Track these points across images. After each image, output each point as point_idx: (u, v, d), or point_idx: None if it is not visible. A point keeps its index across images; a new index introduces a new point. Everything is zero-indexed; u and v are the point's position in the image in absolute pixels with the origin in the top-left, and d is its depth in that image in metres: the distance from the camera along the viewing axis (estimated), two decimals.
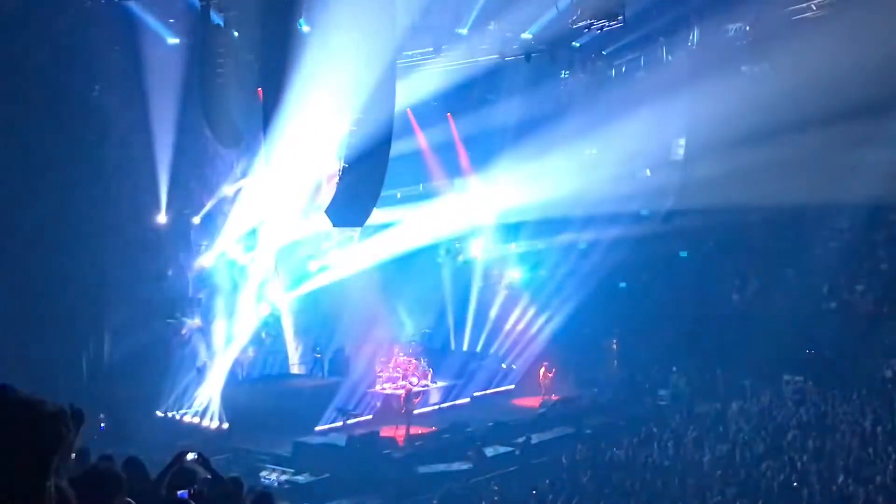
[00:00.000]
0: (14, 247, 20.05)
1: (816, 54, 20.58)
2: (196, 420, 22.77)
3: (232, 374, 24.10)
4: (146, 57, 20.34)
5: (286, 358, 26.92)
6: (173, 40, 20.46)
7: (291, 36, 17.86)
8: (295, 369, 26.89)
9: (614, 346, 29.98)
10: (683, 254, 28.72)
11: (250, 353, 25.60)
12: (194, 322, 23.34)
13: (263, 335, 26.48)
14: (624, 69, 25.56)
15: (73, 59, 19.89)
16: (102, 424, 20.63)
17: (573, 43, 23.48)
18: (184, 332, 23.37)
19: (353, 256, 26.52)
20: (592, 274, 28.70)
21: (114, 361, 22.33)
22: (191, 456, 6.06)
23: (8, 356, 19.74)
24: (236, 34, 20.72)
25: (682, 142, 27.21)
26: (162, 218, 22.45)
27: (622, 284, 29.76)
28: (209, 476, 6.34)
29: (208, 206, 23.70)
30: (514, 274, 30.28)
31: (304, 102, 18.89)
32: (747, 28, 22.82)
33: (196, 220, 23.68)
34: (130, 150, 21.48)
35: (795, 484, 17.53)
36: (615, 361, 29.86)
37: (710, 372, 26.92)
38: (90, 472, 4.78)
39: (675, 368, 27.42)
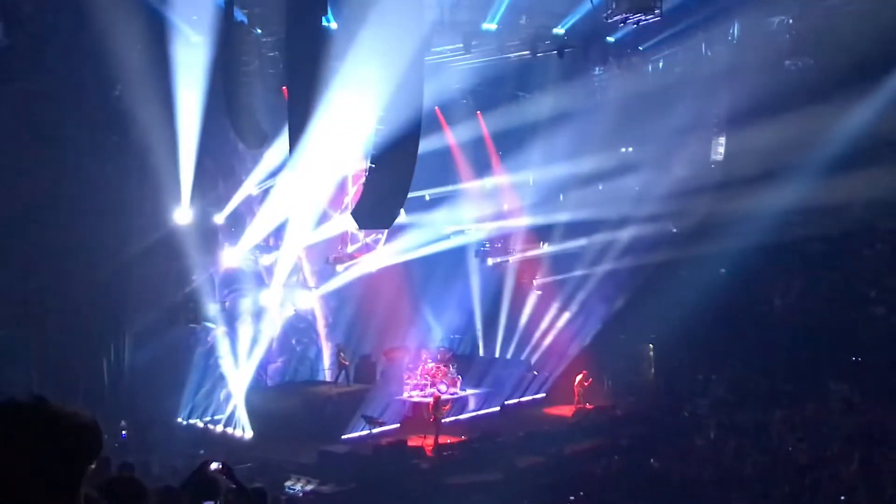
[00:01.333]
0: (34, 251, 20.30)
1: (863, 47, 20.35)
2: (219, 428, 22.91)
3: (256, 381, 24.24)
4: (169, 56, 20.50)
5: (312, 364, 27.03)
6: (196, 38, 20.61)
7: (317, 33, 17.96)
8: (324, 375, 27.01)
9: (650, 353, 29.79)
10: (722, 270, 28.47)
11: (279, 363, 25.75)
12: (218, 327, 23.49)
13: (294, 342, 26.65)
14: (661, 65, 25.38)
15: (94, 58, 20.08)
16: (124, 432, 20.83)
17: (608, 38, 23.39)
18: (209, 339, 23.52)
19: (379, 259, 26.58)
20: (627, 277, 28.55)
21: (135, 367, 22.53)
22: (214, 465, 6.09)
23: (28, 362, 20.01)
24: (260, 32, 20.86)
25: (722, 140, 26.98)
26: (186, 219, 22.61)
27: (658, 288, 29.54)
28: (233, 486, 6.38)
29: (232, 205, 23.85)
30: (547, 277, 30.15)
31: (329, 101, 18.99)
32: (790, 21, 22.58)
33: (220, 220, 23.84)
34: (153, 151, 21.65)
35: (843, 498, 17.32)
36: (651, 369, 29.67)
37: (752, 380, 26.66)
38: (113, 481, 4.82)
39: (714, 376, 27.18)
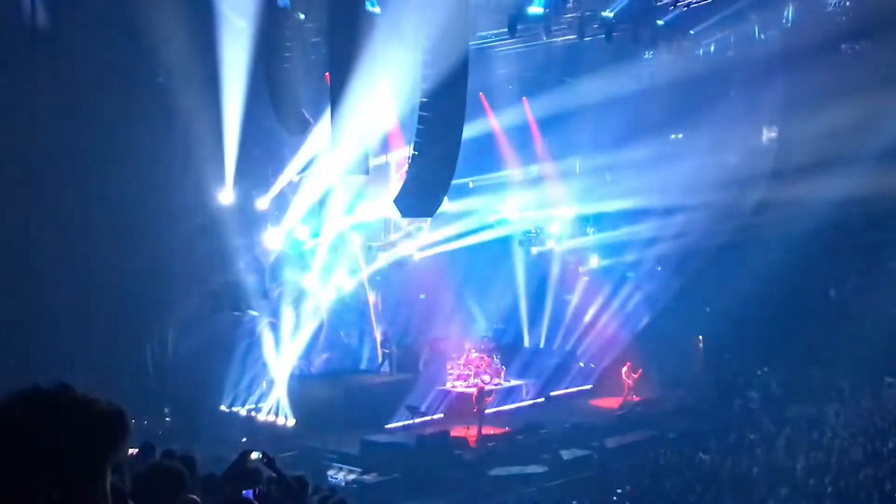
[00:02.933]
0: (79, 238, 20.60)
1: None
2: (262, 416, 23.14)
3: (299, 369, 24.42)
4: (213, 41, 20.67)
5: (356, 353, 27.16)
6: (240, 24, 20.75)
7: (360, 18, 17.99)
8: (367, 364, 27.12)
9: (700, 345, 29.52)
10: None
11: (324, 357, 25.92)
12: (262, 314, 23.69)
13: (343, 334, 26.80)
14: (713, 49, 25.06)
15: (138, 44, 20.31)
16: (167, 418, 21.14)
17: (658, 21, 23.12)
18: (259, 327, 23.72)
19: (422, 248, 26.62)
20: (677, 267, 28.30)
21: (179, 355, 22.80)
22: (255, 455, 6.15)
23: (72, 350, 20.33)
24: (303, 17, 20.94)
25: (776, 127, 26.59)
26: (229, 204, 22.82)
27: (710, 279, 29.23)
28: (273, 475, 6.43)
29: (276, 190, 23.98)
30: (594, 266, 29.93)
31: (373, 87, 19.03)
32: (847, 3, 22.17)
33: (263, 204, 23.97)
34: (196, 137, 21.86)
35: None
36: (701, 361, 29.40)
37: (805, 373, 26.32)
38: (153, 468, 4.89)
39: (766, 369, 26.90)
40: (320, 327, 25.43)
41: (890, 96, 21.72)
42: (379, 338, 26.69)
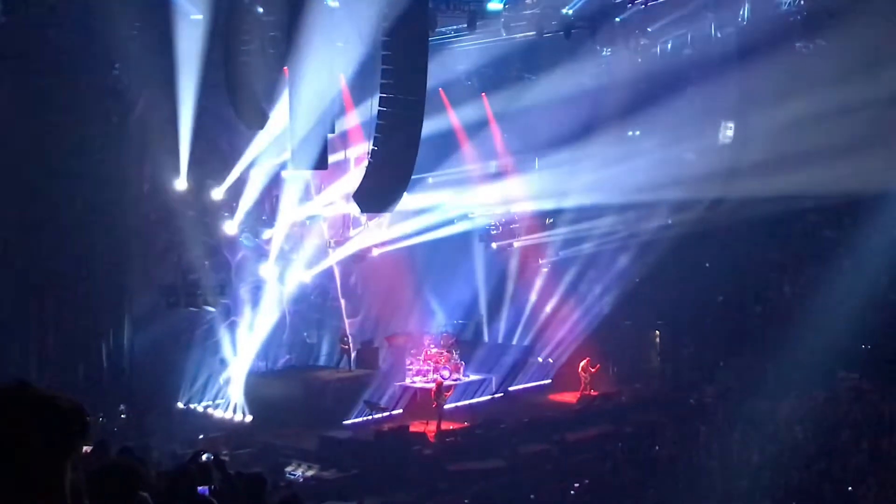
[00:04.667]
0: (32, 233, 20.33)
1: (876, 29, 20.25)
2: (219, 412, 23.00)
3: (256, 365, 24.29)
4: (168, 33, 20.48)
5: (313, 349, 27.08)
6: (196, 16, 20.58)
7: (319, 12, 17.94)
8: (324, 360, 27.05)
9: (656, 339, 29.82)
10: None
11: (287, 358, 25.83)
12: (223, 311, 23.52)
13: (306, 335, 26.70)
14: (669, 47, 25.33)
15: (91, 34, 20.07)
16: (122, 416, 20.94)
17: (615, 18, 23.31)
18: (224, 324, 23.52)
19: (381, 243, 26.59)
20: (633, 263, 28.54)
21: (135, 351, 22.59)
22: (206, 457, 6.13)
23: (25, 346, 20.07)
24: (261, 11, 20.81)
25: (732, 124, 26.91)
26: (184, 196, 22.63)
27: (666, 274, 29.53)
28: (223, 478, 6.41)
29: (231, 182, 23.77)
30: (553, 258, 30.08)
31: (332, 82, 19.00)
32: (802, 2, 22.49)
33: (219, 195, 23.78)
34: (152, 129, 21.67)
35: (850, 488, 17.37)
36: (657, 355, 29.71)
37: (760, 367, 26.69)
38: (108, 465, 4.86)
39: (721, 363, 27.22)
40: (283, 328, 25.32)
41: (843, 93, 22.07)
42: (351, 327, 26.60)
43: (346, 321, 26.47)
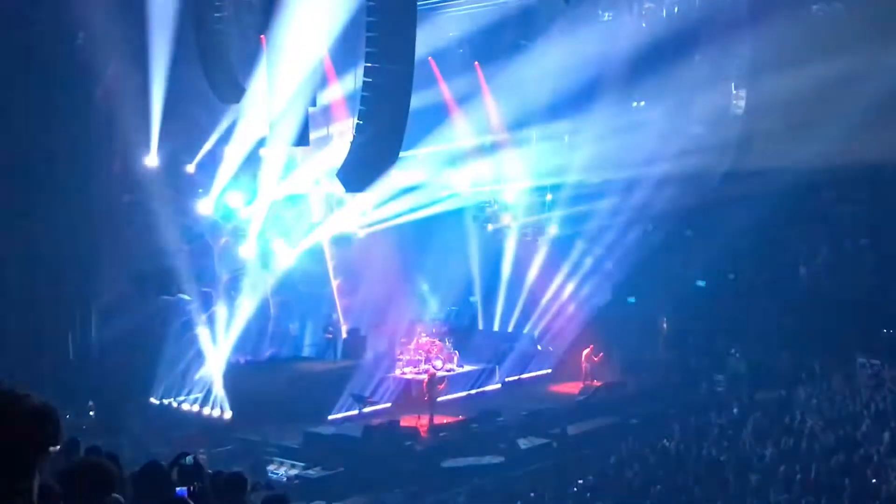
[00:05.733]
0: None
1: None
2: (196, 408, 22.98)
3: (236, 357, 24.27)
4: (134, 1, 20.35)
5: (296, 340, 27.08)
6: None
7: None
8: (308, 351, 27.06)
9: (664, 326, 29.88)
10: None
11: (270, 352, 25.84)
12: (194, 298, 23.46)
13: (291, 327, 26.67)
14: (676, 10, 25.26)
15: (51, 4, 19.93)
16: (91, 412, 20.90)
17: None
18: (204, 313, 23.45)
19: (367, 224, 26.55)
20: (639, 244, 28.54)
21: (104, 342, 22.54)
22: (188, 460, 6.10)
23: None
24: None
25: (743, 93, 26.89)
26: (156, 174, 22.52)
27: (674, 255, 29.58)
28: (198, 483, 6.35)
29: (202, 154, 23.66)
30: (552, 235, 29.98)
31: (312, 51, 18.88)
32: None
33: (191, 169, 23.68)
34: (121, 104, 21.56)
35: (874, 481, 17.44)
36: (665, 342, 29.77)
37: (774, 354, 26.80)
38: (79, 466, 4.83)
39: (733, 350, 27.30)
40: (266, 318, 25.30)
41: (861, 59, 22.06)
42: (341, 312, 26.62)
43: (340, 304, 26.47)
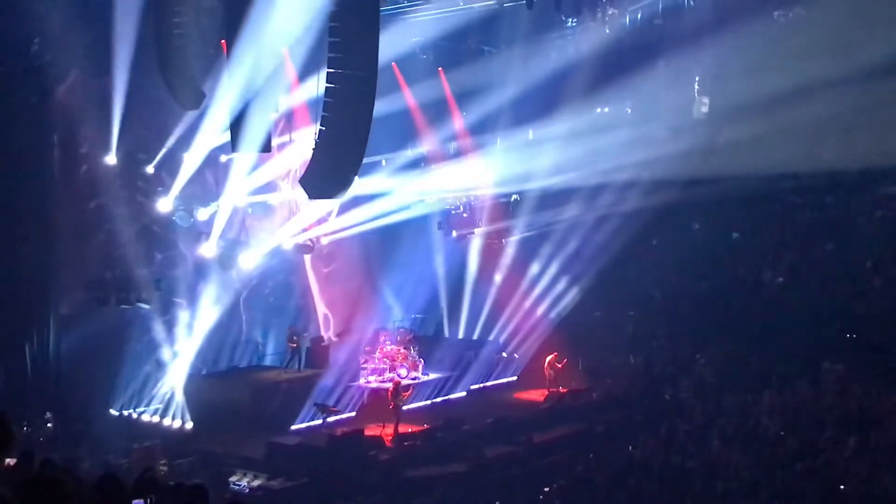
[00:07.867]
0: None
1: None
2: (156, 419, 22.80)
3: (196, 367, 24.10)
4: (95, 6, 20.18)
5: (258, 347, 26.94)
6: None
7: None
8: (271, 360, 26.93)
9: (629, 332, 30.02)
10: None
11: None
12: (153, 308, 23.27)
13: (259, 340, 26.54)
14: (639, 17, 25.46)
15: (4, 11, 19.74)
16: (49, 424, 20.66)
17: None
18: (163, 320, 23.26)
19: (331, 231, 26.47)
20: (603, 250, 28.68)
21: (61, 352, 22.30)
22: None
23: None
24: None
25: (706, 100, 27.14)
26: (116, 177, 22.35)
27: (636, 261, 29.75)
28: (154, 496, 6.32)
29: (161, 155, 23.50)
30: (513, 249, 30.13)
31: (274, 56, 18.80)
32: None
33: (149, 169, 23.51)
34: (77, 110, 21.38)
35: (842, 487, 17.63)
36: (630, 349, 29.90)
37: (740, 360, 26.99)
38: (32, 479, 4.77)
39: (699, 356, 27.48)
40: (227, 325, 25.14)
41: (824, 66, 22.32)
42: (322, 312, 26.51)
43: (304, 313, 26.34)
